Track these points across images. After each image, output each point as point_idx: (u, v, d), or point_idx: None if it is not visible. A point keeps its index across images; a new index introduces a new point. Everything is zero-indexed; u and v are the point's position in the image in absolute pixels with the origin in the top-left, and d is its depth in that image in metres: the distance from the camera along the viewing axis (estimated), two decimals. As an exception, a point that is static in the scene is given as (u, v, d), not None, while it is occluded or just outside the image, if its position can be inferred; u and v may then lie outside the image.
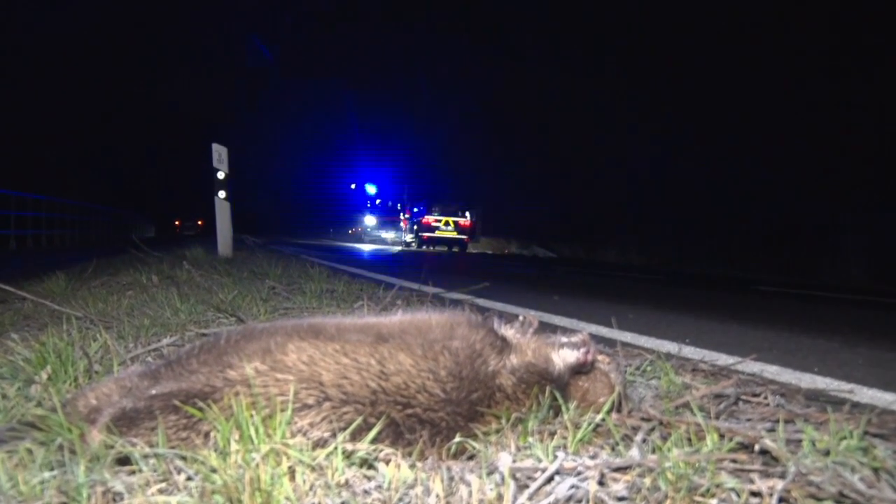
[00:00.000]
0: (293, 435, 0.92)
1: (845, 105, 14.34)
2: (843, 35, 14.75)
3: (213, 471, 0.82)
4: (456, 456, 1.00)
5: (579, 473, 0.90)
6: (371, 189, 29.34)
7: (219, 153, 6.94)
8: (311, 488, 0.82)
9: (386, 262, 10.40)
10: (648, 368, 1.73)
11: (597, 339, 2.53)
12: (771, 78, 16.49)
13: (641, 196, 20.12)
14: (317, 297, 3.05)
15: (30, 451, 0.92)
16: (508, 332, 1.23)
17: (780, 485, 0.86)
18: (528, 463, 0.94)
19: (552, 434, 1.06)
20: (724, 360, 2.15)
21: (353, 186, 34.62)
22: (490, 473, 0.89)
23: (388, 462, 0.90)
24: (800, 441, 1.07)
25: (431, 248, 21.59)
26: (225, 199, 6.97)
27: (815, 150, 15.04)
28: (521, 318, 1.29)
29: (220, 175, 6.94)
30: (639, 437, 1.06)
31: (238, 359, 1.00)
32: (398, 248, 21.48)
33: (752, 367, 2.11)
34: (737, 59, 17.37)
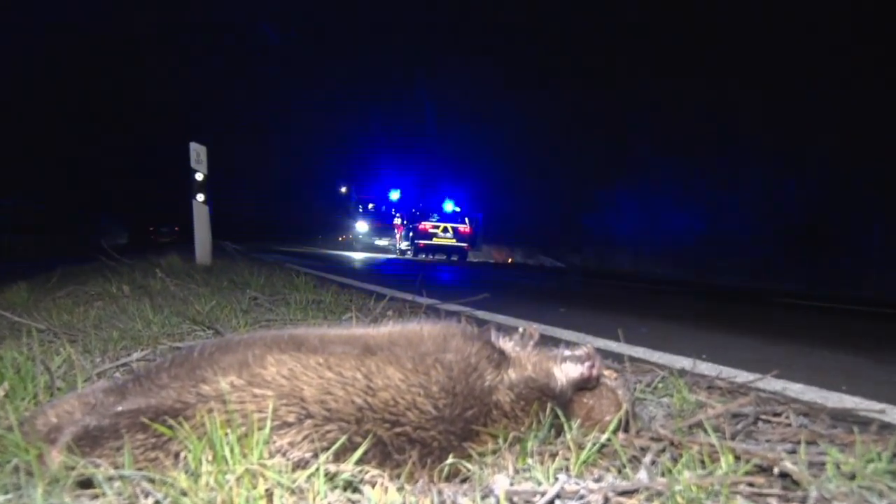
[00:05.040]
0: (271, 455, 0.91)
1: (873, 106, 14.44)
2: (874, 32, 14.89)
3: (184, 494, 0.82)
4: (449, 478, 1.00)
5: (582, 497, 0.90)
6: (395, 195, 29.05)
7: (197, 153, 6.95)
8: (289, 513, 0.82)
9: (378, 272, 10.40)
10: (660, 385, 1.73)
11: (604, 353, 2.54)
12: (793, 74, 16.63)
13: (655, 203, 20.18)
14: (302, 308, 3.05)
15: (-17, 473, 0.92)
16: (507, 344, 1.23)
17: (799, 510, 0.86)
18: (527, 486, 0.94)
19: (553, 455, 1.06)
20: (743, 376, 2.15)
21: (343, 190, 34.65)
22: (485, 497, 0.89)
23: (374, 485, 0.90)
24: (823, 464, 1.08)
25: (429, 256, 21.62)
26: (203, 202, 6.97)
27: (843, 154, 15.12)
28: (521, 329, 1.29)
29: (199, 177, 6.95)
30: (647, 459, 1.06)
31: (212, 372, 1.00)
32: (392, 257, 21.50)
33: (773, 384, 2.12)
34: (758, 56, 17.52)
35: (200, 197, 6.96)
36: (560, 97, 24.37)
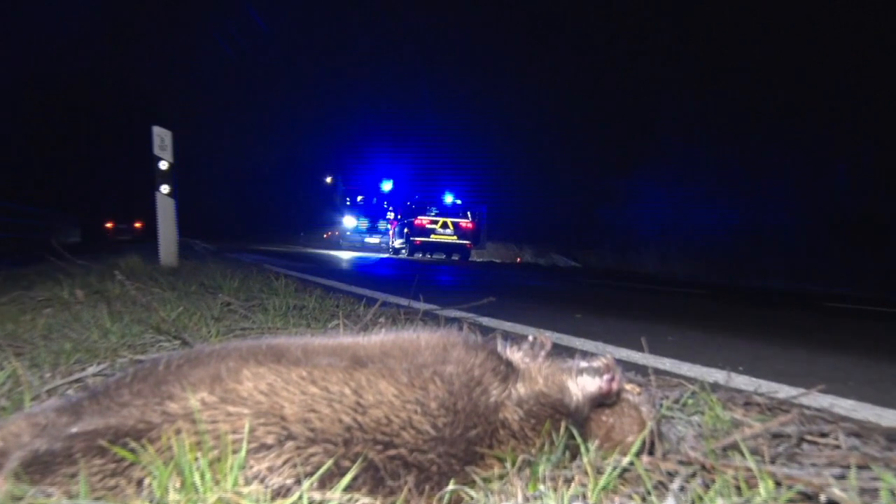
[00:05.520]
0: (248, 482, 0.92)
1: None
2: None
3: (148, 526, 0.82)
4: (449, 508, 1.00)
5: (601, 529, 0.91)
6: (387, 186, 29.25)
7: (161, 138, 6.96)
8: (268, 547, 0.83)
9: (369, 273, 10.41)
10: (690, 401, 1.74)
11: (626, 365, 2.55)
12: (841, 51, 16.60)
13: (684, 194, 20.18)
14: (282, 315, 3.06)
15: (-80, 504, 0.92)
16: (515, 355, 1.23)
17: (848, 542, 0.86)
18: (539, 516, 0.95)
19: (568, 481, 1.07)
20: (785, 391, 2.16)
21: (328, 180, 34.65)
22: (491, 529, 0.90)
23: (364, 515, 0.90)
24: (877, 490, 1.08)
25: (426, 255, 21.66)
26: (168, 194, 6.98)
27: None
28: (530, 338, 1.30)
29: (163, 165, 6.96)
30: (675, 485, 1.07)
31: (180, 388, 1.00)
32: (385, 256, 21.53)
33: (820, 400, 2.13)
34: (801, 31, 17.51)
35: (165, 188, 6.96)
36: (577, 76, 24.32)
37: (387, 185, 29.34)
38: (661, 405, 1.65)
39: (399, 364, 1.09)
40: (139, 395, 1.01)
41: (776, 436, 1.44)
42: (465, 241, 21.23)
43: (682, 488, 1.07)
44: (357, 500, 0.92)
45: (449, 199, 22.55)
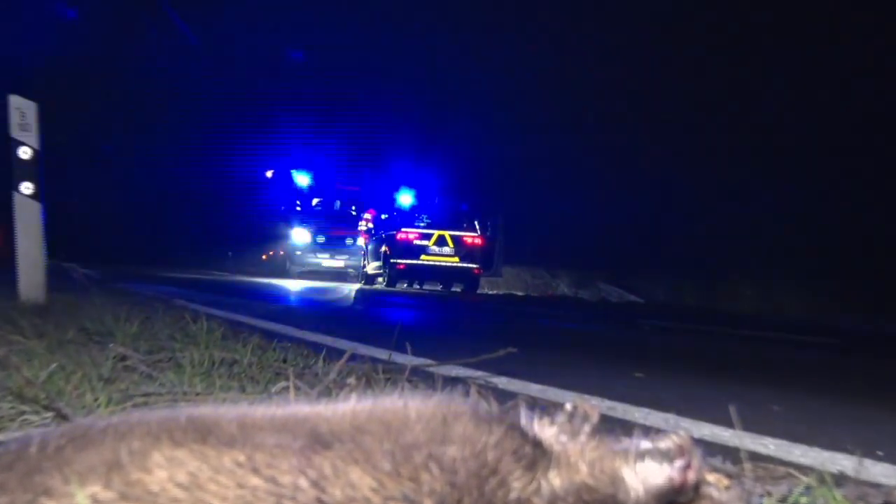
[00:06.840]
0: None
1: None
2: None
3: None
4: None
5: None
6: (302, 179, 29.42)
7: (21, 112, 6.96)
8: None
9: (331, 312, 10.41)
10: (803, 500, 1.75)
11: (710, 447, 2.56)
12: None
13: (798, 202, 20.08)
14: (204, 374, 3.06)
15: None
16: (546, 432, 1.25)
17: None
18: None
19: None
20: (943, 485, 2.17)
21: (269, 174, 34.72)
22: None
23: None
24: None
25: (415, 284, 21.64)
26: (33, 196, 6.99)
27: None
28: (568, 407, 1.31)
29: (25, 153, 6.96)
30: None
31: (61, 479, 1.01)
32: (355, 287, 21.51)
33: None
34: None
35: (27, 187, 6.97)
36: (637, 31, 24.40)
37: (302, 178, 29.53)
38: (759, 505, 1.66)
39: (378, 444, 1.10)
40: (2, 491, 1.02)
41: (927, 550, 1.45)
42: (471, 265, 21.11)
43: None
44: None
45: (406, 199, 22.56)
